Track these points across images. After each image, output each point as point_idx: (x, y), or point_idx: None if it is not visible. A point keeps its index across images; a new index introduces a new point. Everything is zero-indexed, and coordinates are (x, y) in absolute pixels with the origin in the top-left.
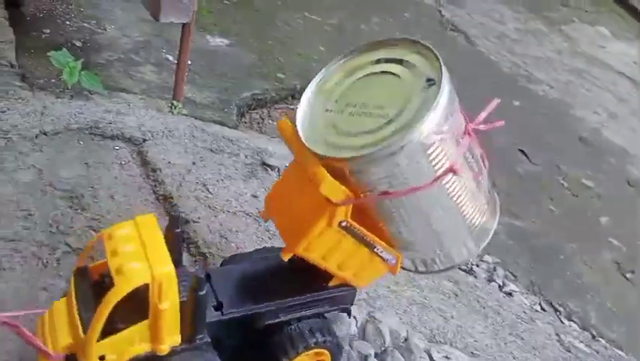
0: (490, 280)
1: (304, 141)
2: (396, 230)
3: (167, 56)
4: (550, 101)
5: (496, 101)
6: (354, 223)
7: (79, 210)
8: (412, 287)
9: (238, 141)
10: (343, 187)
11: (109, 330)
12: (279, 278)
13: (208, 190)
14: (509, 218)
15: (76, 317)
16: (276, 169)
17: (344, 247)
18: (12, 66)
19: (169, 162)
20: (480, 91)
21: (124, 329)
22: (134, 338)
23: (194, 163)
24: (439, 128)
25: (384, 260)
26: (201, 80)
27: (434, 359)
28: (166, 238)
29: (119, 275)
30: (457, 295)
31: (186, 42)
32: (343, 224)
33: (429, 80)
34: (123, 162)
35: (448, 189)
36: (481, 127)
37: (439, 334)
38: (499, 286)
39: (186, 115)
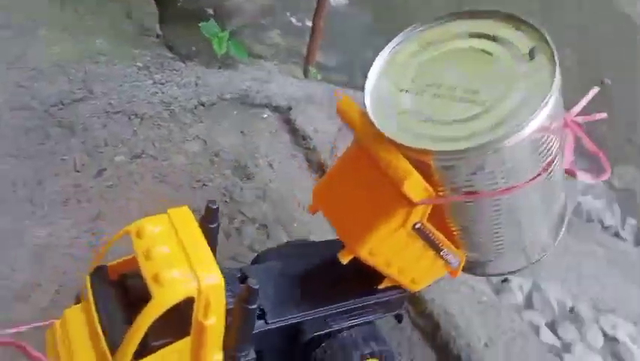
0: (637, 243)
1: (379, 128)
2: (470, 231)
3: (291, 19)
4: None
5: (595, 90)
6: (429, 225)
7: (245, 180)
8: (566, 254)
9: None
10: (427, 185)
11: (142, 350)
12: (323, 280)
13: None
14: None
15: (99, 331)
16: None
17: (410, 251)
18: (158, 37)
19: (316, 129)
20: (619, 55)
21: (159, 348)
22: (172, 358)
23: (339, 130)
24: (549, 122)
25: (447, 263)
26: (324, 42)
27: (603, 329)
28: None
29: (157, 286)
30: (610, 261)
31: (323, 6)
32: (417, 226)
33: (532, 52)
34: (273, 130)
35: (544, 186)
36: (579, 119)
37: (600, 302)
38: None
39: (319, 80)
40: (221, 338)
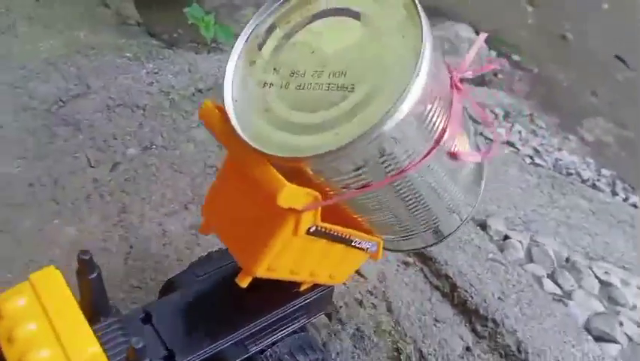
0: (614, 193)
1: (242, 136)
2: (377, 217)
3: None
4: None
5: (484, 35)
6: (326, 224)
7: None
8: (554, 208)
9: None
10: (308, 190)
11: None
12: (235, 298)
13: None
14: (618, 128)
15: None
16: None
17: (315, 252)
18: (139, 25)
19: None
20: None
21: None
22: None
23: None
24: (427, 92)
25: (363, 250)
26: None
27: (597, 275)
28: (81, 289)
29: None
30: (594, 213)
31: None
32: (312, 230)
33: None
34: None
35: (442, 157)
36: (469, 74)
37: (591, 251)
38: (624, 199)
39: None
40: None
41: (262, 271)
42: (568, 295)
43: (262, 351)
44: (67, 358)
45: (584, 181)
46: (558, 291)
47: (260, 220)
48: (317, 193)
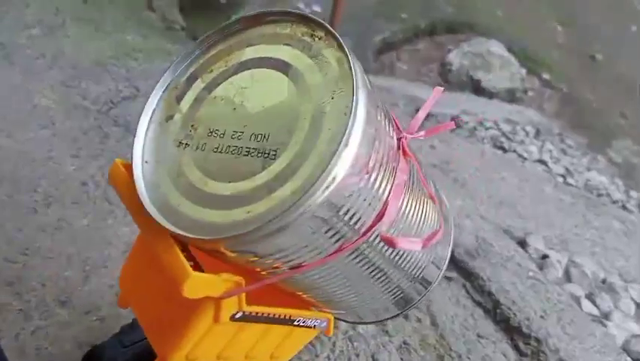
0: None
1: (146, 206)
2: (321, 294)
3: (299, 4)
4: None
5: (439, 89)
6: (256, 308)
7: None
8: (589, 229)
9: (393, 89)
10: (225, 275)
11: None
12: None
13: None
14: None
15: None
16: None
17: (248, 336)
18: (183, 29)
19: None
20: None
21: None
22: None
23: None
24: (359, 165)
25: (310, 328)
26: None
27: (633, 297)
28: None
29: None
30: (626, 234)
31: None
32: (238, 316)
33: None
34: None
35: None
36: (421, 135)
37: (625, 273)
38: None
39: None
40: None
41: None
42: (605, 315)
43: None
44: None
45: (614, 202)
46: (595, 311)
47: (175, 304)
48: (238, 278)
